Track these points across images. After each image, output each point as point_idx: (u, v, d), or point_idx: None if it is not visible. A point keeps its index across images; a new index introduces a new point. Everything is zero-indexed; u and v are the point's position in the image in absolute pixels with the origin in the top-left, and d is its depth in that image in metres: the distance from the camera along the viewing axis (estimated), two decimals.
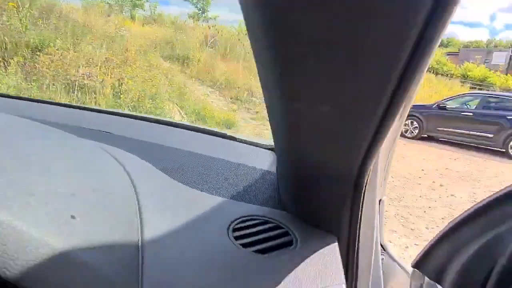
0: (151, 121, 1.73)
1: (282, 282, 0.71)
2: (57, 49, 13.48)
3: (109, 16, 19.12)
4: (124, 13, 25.70)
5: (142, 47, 17.45)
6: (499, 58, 51.55)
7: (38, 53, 13.00)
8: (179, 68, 17.60)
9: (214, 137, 1.57)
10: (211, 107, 14.43)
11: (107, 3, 23.30)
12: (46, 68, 12.41)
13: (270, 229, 0.90)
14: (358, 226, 0.89)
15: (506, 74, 44.58)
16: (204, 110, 13.48)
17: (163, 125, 1.69)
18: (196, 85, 16.95)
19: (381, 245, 1.43)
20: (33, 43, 12.78)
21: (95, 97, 11.85)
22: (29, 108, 1.90)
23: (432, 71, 39.09)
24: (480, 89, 31.22)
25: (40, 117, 1.34)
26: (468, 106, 15.92)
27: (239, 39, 21.02)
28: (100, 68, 13.42)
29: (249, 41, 0.52)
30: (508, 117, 13.48)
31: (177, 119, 12.36)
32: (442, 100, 16.63)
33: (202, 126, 1.74)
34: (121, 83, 13.09)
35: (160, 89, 13.63)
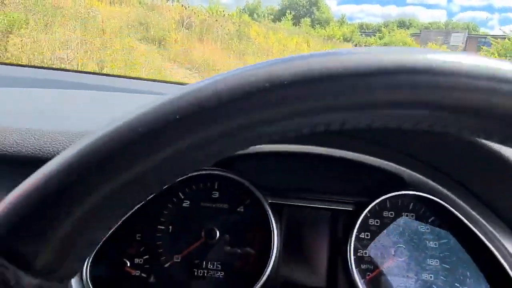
0: None
1: None
2: (30, 31, 12.85)
3: None
4: None
5: (116, 28, 16.90)
6: (457, 39, 54.79)
7: (9, 35, 12.35)
8: (156, 50, 17.31)
9: None
10: None
11: None
12: (20, 51, 11.85)
13: None
14: None
15: None
16: None
17: None
18: (175, 68, 16.77)
19: None
20: (2, 24, 12.02)
21: None
22: None
23: None
24: None
25: None
26: None
27: (216, 20, 20.87)
28: (78, 52, 12.97)
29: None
30: None
31: None
32: None
33: None
34: (102, 67, 12.73)
35: (142, 73, 13.41)
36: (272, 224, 1.24)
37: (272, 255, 1.21)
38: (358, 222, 1.27)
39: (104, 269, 1.22)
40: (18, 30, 13.03)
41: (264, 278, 1.19)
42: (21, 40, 12.45)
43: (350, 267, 1.22)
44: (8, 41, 12.14)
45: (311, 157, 1.31)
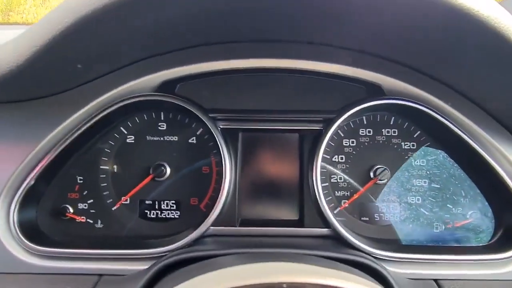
0: None
1: None
2: (29, 7, 12.68)
3: None
4: None
5: None
6: None
7: (10, 13, 12.22)
8: None
9: None
10: None
11: None
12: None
13: None
14: None
15: None
16: None
17: None
18: None
19: None
20: (1, 4, 11.88)
21: None
22: None
23: None
24: None
25: None
26: None
27: None
28: None
29: None
30: None
31: None
32: None
33: None
34: None
35: None
36: (223, 153, 1.07)
37: (223, 187, 1.05)
38: (325, 141, 1.08)
39: (41, 216, 1.09)
40: (17, 7, 12.91)
41: (216, 212, 1.04)
42: (22, 17, 12.33)
43: (317, 196, 1.05)
44: (9, 19, 12.03)
45: (265, 71, 1.10)
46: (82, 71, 0.97)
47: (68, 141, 1.03)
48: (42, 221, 1.08)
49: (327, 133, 1.08)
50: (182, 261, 0.89)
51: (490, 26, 0.69)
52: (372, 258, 0.95)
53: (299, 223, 1.11)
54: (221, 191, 1.05)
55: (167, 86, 1.09)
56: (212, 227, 1.05)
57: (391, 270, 0.96)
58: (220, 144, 1.07)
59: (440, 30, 0.80)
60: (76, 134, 1.04)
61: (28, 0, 13.36)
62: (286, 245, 0.96)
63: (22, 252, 0.99)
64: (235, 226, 1.08)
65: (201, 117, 1.08)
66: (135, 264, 1.00)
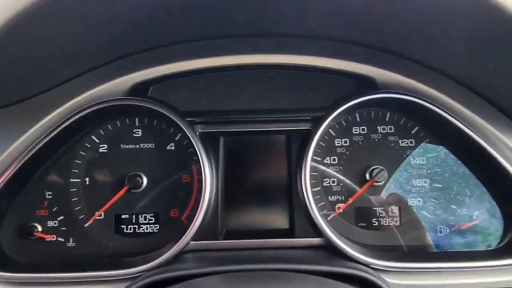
0: None
1: None
2: None
3: None
4: None
5: None
6: None
7: None
8: None
9: None
10: None
11: None
12: None
13: None
14: None
15: None
16: None
17: None
18: None
19: None
20: None
21: None
22: None
23: None
24: None
25: None
26: None
27: None
28: None
29: None
30: None
31: None
32: None
33: None
34: None
35: None
36: (202, 160, 0.97)
37: (203, 196, 0.95)
38: (314, 141, 0.98)
39: (6, 237, 0.99)
40: None
41: (196, 225, 0.94)
42: None
43: (307, 203, 0.96)
44: None
45: (245, 68, 1.00)
46: (43, 76, 0.87)
47: (32, 152, 0.93)
48: (7, 243, 0.99)
49: (316, 132, 0.99)
50: (157, 283, 0.80)
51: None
52: (370, 270, 0.86)
53: (290, 232, 1.01)
54: (201, 201, 0.95)
55: (139, 89, 1.00)
56: (193, 242, 0.96)
57: (391, 282, 0.87)
58: (199, 151, 0.97)
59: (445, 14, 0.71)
60: (40, 145, 0.94)
61: None
62: (273, 260, 0.86)
63: None
64: (218, 239, 0.99)
65: (177, 122, 0.98)
66: (110, 287, 0.90)
